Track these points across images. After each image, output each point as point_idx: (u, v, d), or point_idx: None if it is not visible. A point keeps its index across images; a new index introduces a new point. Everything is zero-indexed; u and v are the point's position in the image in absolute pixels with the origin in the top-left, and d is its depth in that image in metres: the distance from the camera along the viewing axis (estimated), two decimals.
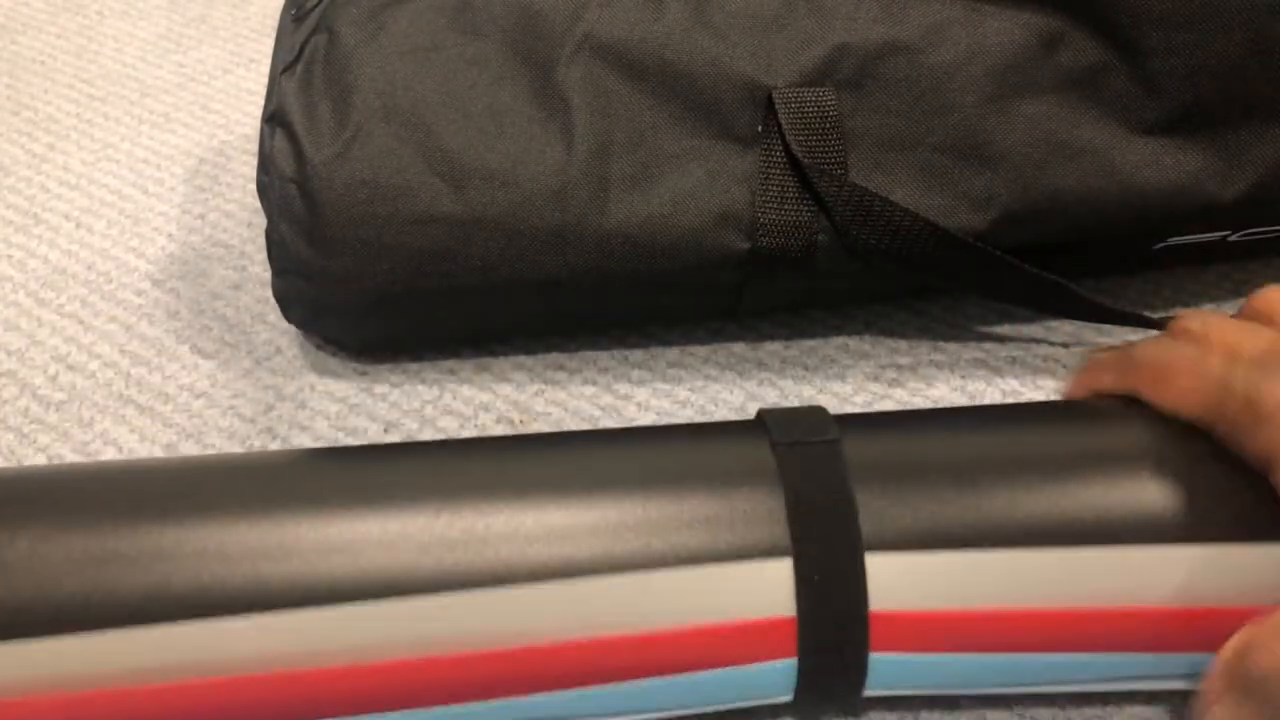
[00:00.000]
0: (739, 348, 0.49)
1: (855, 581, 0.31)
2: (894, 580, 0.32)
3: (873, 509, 0.32)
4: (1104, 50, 0.42)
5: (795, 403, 0.46)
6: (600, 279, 0.43)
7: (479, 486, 0.32)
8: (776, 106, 0.42)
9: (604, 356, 0.48)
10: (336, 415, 0.46)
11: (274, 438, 0.45)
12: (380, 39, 0.44)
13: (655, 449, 0.34)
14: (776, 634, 0.31)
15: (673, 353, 0.48)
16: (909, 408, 0.46)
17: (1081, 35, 0.42)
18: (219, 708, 0.30)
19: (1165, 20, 0.41)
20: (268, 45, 0.69)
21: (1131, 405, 0.35)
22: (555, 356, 0.48)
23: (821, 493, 0.32)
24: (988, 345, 0.48)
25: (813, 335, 0.49)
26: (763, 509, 0.32)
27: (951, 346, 0.48)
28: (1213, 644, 0.31)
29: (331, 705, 0.31)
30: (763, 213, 0.42)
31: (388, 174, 0.42)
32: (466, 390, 0.47)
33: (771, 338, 0.49)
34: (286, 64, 0.44)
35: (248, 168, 0.60)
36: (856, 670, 0.32)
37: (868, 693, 0.33)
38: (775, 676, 0.32)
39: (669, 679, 0.32)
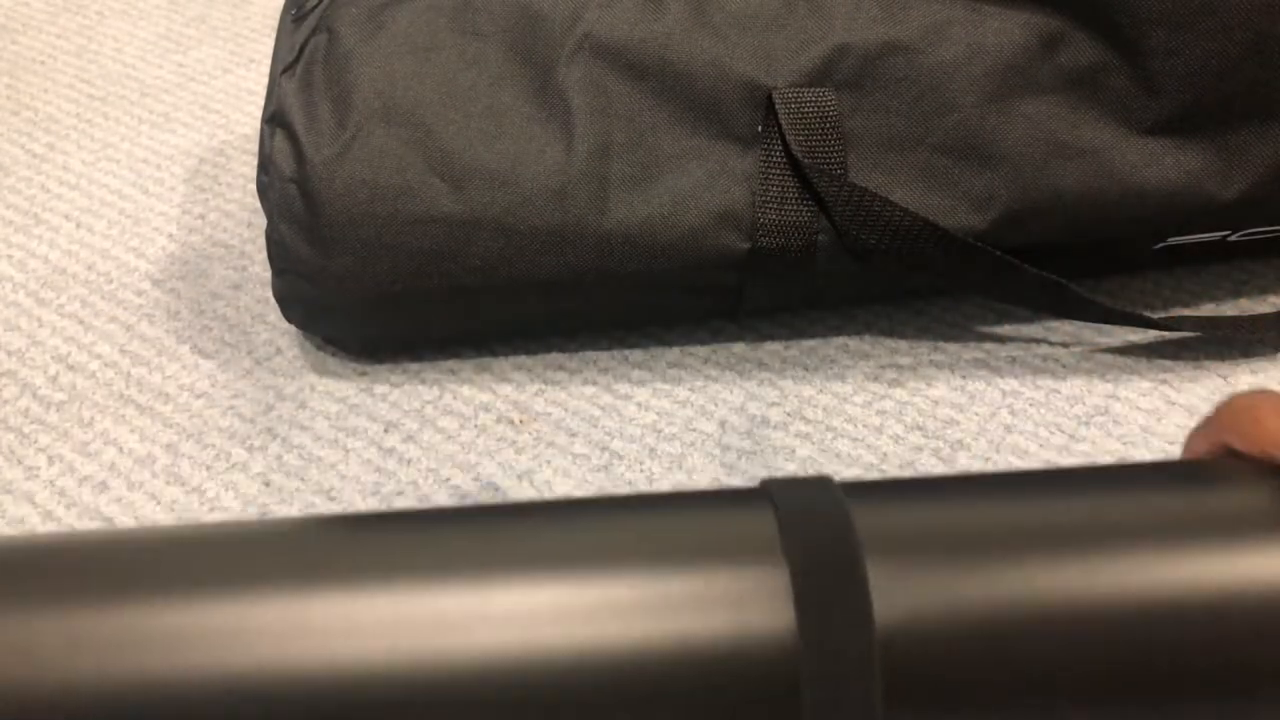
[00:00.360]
0: (739, 348, 0.49)
1: (865, 659, 0.28)
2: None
3: (883, 580, 0.29)
4: (1104, 50, 0.42)
5: (795, 403, 0.46)
6: (600, 279, 0.43)
7: (462, 563, 0.31)
8: (776, 107, 0.42)
9: (604, 356, 0.48)
10: (336, 415, 0.46)
11: (274, 437, 0.45)
12: (380, 39, 0.44)
13: (652, 521, 0.31)
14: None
15: (673, 353, 0.48)
16: (910, 409, 0.46)
17: (1081, 35, 0.42)
18: None
19: (1165, 20, 0.41)
20: (268, 45, 0.69)
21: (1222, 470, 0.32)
22: (555, 356, 0.48)
23: (829, 565, 0.29)
24: (988, 345, 0.48)
25: (813, 335, 0.49)
26: (765, 583, 0.29)
27: (951, 346, 0.48)
28: None
29: None
30: (763, 213, 0.42)
31: (388, 174, 0.42)
32: (466, 390, 0.47)
33: (771, 338, 0.49)
34: (286, 64, 0.44)
35: (248, 168, 0.60)
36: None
37: None
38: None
39: None
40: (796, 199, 0.42)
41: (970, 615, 0.28)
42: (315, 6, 0.46)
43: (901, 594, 0.29)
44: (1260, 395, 0.31)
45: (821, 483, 0.31)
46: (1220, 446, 0.33)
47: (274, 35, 0.49)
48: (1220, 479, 0.31)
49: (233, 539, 0.32)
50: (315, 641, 0.28)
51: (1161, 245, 0.46)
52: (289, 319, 0.47)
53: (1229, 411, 0.32)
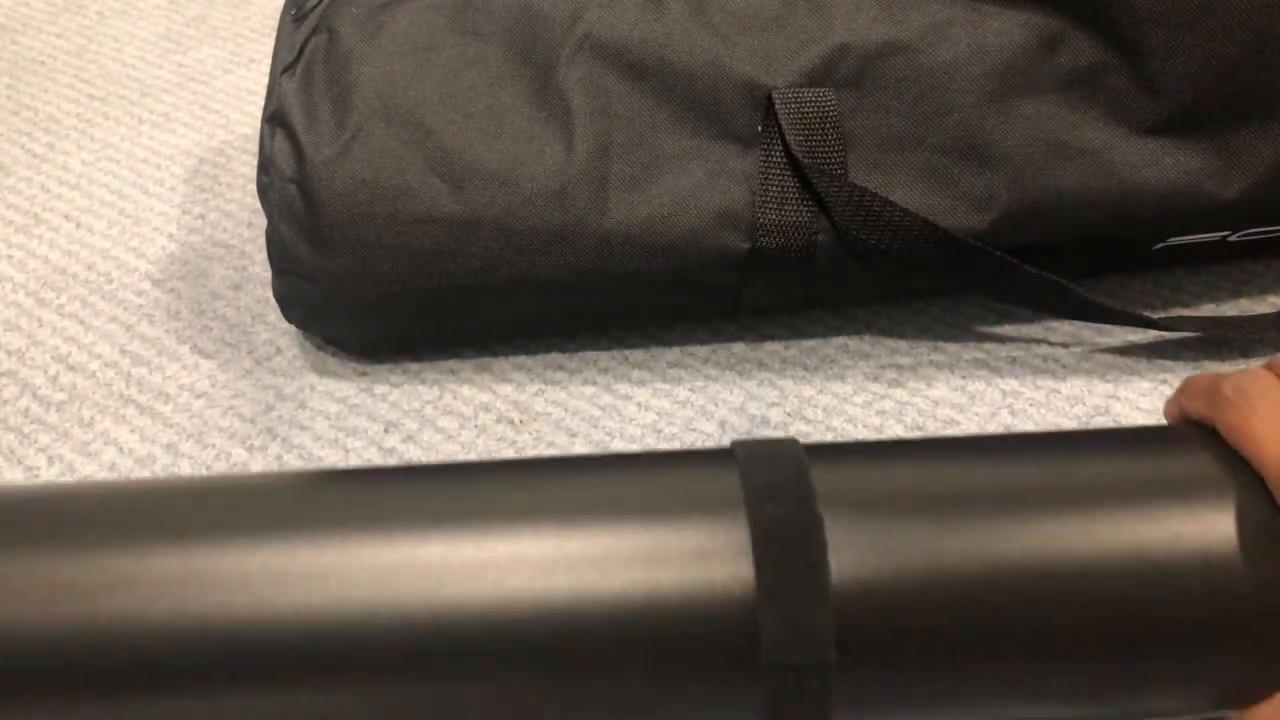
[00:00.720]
0: (739, 348, 0.49)
1: (820, 606, 0.30)
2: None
3: (840, 534, 0.31)
4: (1104, 50, 0.42)
5: (795, 403, 0.46)
6: (600, 279, 0.43)
7: (443, 515, 0.32)
8: (776, 106, 0.42)
9: (604, 356, 0.48)
10: (336, 415, 0.46)
11: (274, 438, 0.45)
12: (380, 39, 0.44)
13: (624, 479, 0.33)
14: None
15: (673, 353, 0.48)
16: (910, 409, 0.46)
17: (1081, 35, 0.42)
18: None
19: (1165, 20, 0.41)
20: (268, 45, 0.69)
21: (1198, 440, 0.33)
22: (555, 356, 0.48)
23: (786, 518, 0.31)
24: (988, 345, 0.48)
25: (813, 335, 0.49)
26: (726, 536, 0.31)
27: (951, 346, 0.48)
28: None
29: None
30: (762, 213, 0.42)
31: (388, 174, 0.42)
32: (466, 390, 0.47)
33: (771, 338, 0.49)
34: (286, 64, 0.44)
35: (248, 168, 0.60)
36: (821, 695, 0.31)
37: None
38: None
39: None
40: (796, 199, 0.42)
41: (919, 571, 0.30)
42: (315, 6, 0.46)
43: (856, 550, 0.30)
44: (1260, 394, 0.32)
45: (786, 444, 0.33)
46: (1209, 422, 0.34)
47: (274, 35, 0.49)
48: (1170, 445, 0.33)
49: (228, 489, 0.33)
50: (297, 586, 0.30)
51: (1161, 245, 0.46)
52: (289, 319, 0.47)
53: (1224, 399, 0.33)
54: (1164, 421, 0.37)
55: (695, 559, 0.30)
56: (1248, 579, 0.31)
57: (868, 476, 0.33)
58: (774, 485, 0.32)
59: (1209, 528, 0.31)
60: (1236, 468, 0.32)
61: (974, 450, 0.34)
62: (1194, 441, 0.33)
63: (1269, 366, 0.34)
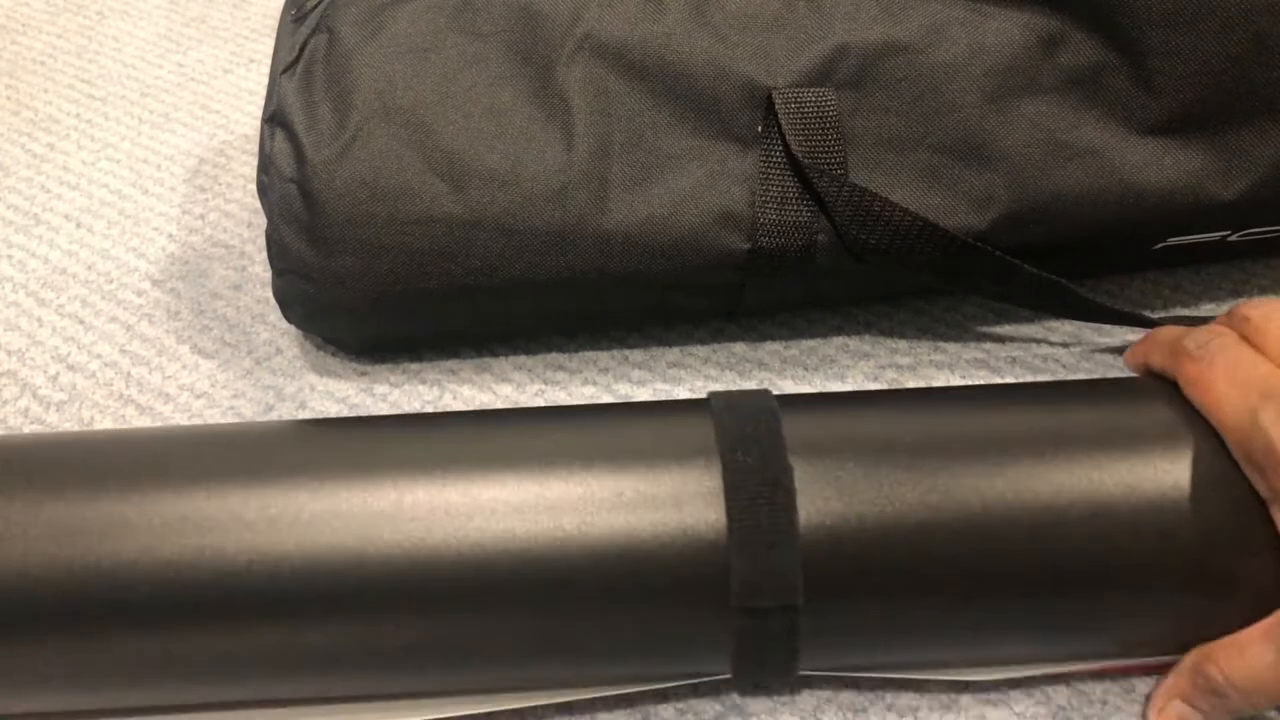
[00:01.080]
0: (739, 348, 0.49)
1: (788, 548, 0.32)
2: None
3: (808, 478, 0.32)
4: (1104, 50, 0.42)
5: None
6: (600, 279, 0.43)
7: (424, 461, 0.33)
8: (776, 107, 0.42)
9: (604, 356, 0.48)
10: (336, 415, 0.46)
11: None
12: (380, 39, 0.44)
13: (603, 427, 0.35)
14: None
15: (673, 353, 0.48)
16: None
17: (1081, 35, 0.42)
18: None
19: (1165, 20, 0.41)
20: (268, 45, 0.69)
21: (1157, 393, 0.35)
22: (555, 356, 0.48)
23: (756, 460, 0.33)
24: (988, 345, 0.48)
25: (813, 335, 0.49)
26: (699, 480, 0.32)
27: (951, 346, 0.48)
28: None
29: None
30: (763, 213, 0.42)
31: (388, 174, 0.42)
32: (466, 390, 0.47)
33: (771, 338, 0.49)
34: (286, 64, 0.44)
35: (248, 168, 0.60)
36: (790, 635, 0.32)
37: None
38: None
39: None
40: (796, 199, 0.42)
41: (884, 515, 0.31)
42: (315, 6, 0.46)
43: (823, 496, 0.31)
44: (1219, 350, 0.33)
45: (759, 395, 0.34)
46: (1143, 366, 0.36)
47: (274, 35, 0.49)
48: (1131, 396, 0.35)
49: (229, 438, 0.35)
50: (289, 530, 0.31)
51: (1162, 245, 0.46)
52: (289, 319, 0.47)
53: (1184, 353, 0.34)
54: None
55: (670, 504, 0.32)
56: (1199, 525, 0.32)
57: (836, 425, 0.34)
58: (746, 435, 0.33)
59: (1163, 476, 0.32)
60: (1194, 420, 0.33)
61: (939, 400, 0.36)
62: (1155, 393, 0.34)
63: (1230, 317, 0.34)
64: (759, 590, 0.31)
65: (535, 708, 0.36)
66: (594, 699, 0.35)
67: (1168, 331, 0.36)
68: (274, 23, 0.70)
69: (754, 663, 0.33)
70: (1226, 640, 0.33)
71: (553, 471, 0.33)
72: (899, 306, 0.50)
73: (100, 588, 0.31)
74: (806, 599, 0.31)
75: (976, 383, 0.47)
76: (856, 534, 0.32)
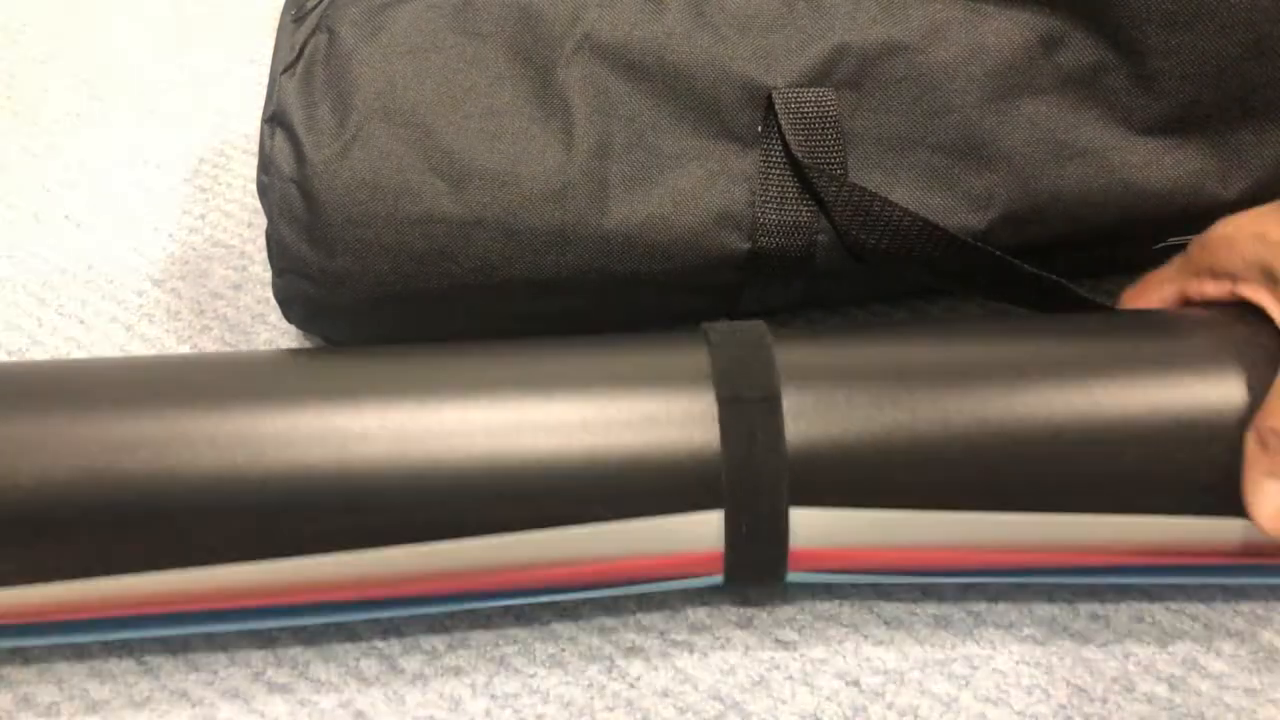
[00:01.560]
0: None
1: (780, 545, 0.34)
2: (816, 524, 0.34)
3: (796, 402, 0.34)
4: (1103, 50, 0.42)
5: None
6: (600, 279, 0.43)
7: (438, 384, 0.36)
8: (776, 107, 0.42)
9: None
10: None
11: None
12: (380, 39, 0.44)
13: (604, 353, 0.38)
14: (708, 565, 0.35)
15: None
16: None
17: (1081, 35, 0.42)
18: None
19: (1165, 20, 0.41)
20: (268, 45, 0.69)
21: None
22: None
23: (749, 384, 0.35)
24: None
25: None
26: (696, 403, 0.35)
27: None
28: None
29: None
30: (762, 213, 0.42)
31: (388, 174, 0.42)
32: None
33: None
34: (286, 64, 0.44)
35: (248, 168, 0.60)
36: (778, 521, 0.34)
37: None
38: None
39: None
40: (796, 199, 0.42)
41: (869, 435, 0.34)
42: (315, 6, 0.46)
43: (811, 417, 0.34)
44: (1234, 221, 0.35)
45: (753, 326, 0.37)
46: (1179, 297, 0.37)
47: (274, 35, 0.49)
48: (1117, 324, 0.37)
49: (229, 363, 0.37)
50: (303, 447, 0.34)
51: (1162, 246, 0.46)
52: (289, 319, 0.47)
53: (1210, 238, 0.36)
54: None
55: (668, 424, 0.34)
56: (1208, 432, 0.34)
57: (824, 353, 0.36)
58: (739, 361, 0.36)
59: (1154, 395, 0.35)
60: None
61: (940, 331, 0.38)
62: (1179, 320, 0.37)
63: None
64: (748, 490, 0.34)
65: (533, 606, 0.38)
66: (591, 598, 0.38)
67: (1166, 265, 0.38)
68: (274, 23, 0.70)
69: (744, 564, 0.35)
70: (1269, 397, 0.33)
71: (554, 394, 0.35)
72: (899, 306, 0.50)
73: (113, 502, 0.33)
74: (793, 500, 0.34)
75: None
76: (841, 449, 0.34)
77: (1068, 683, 0.37)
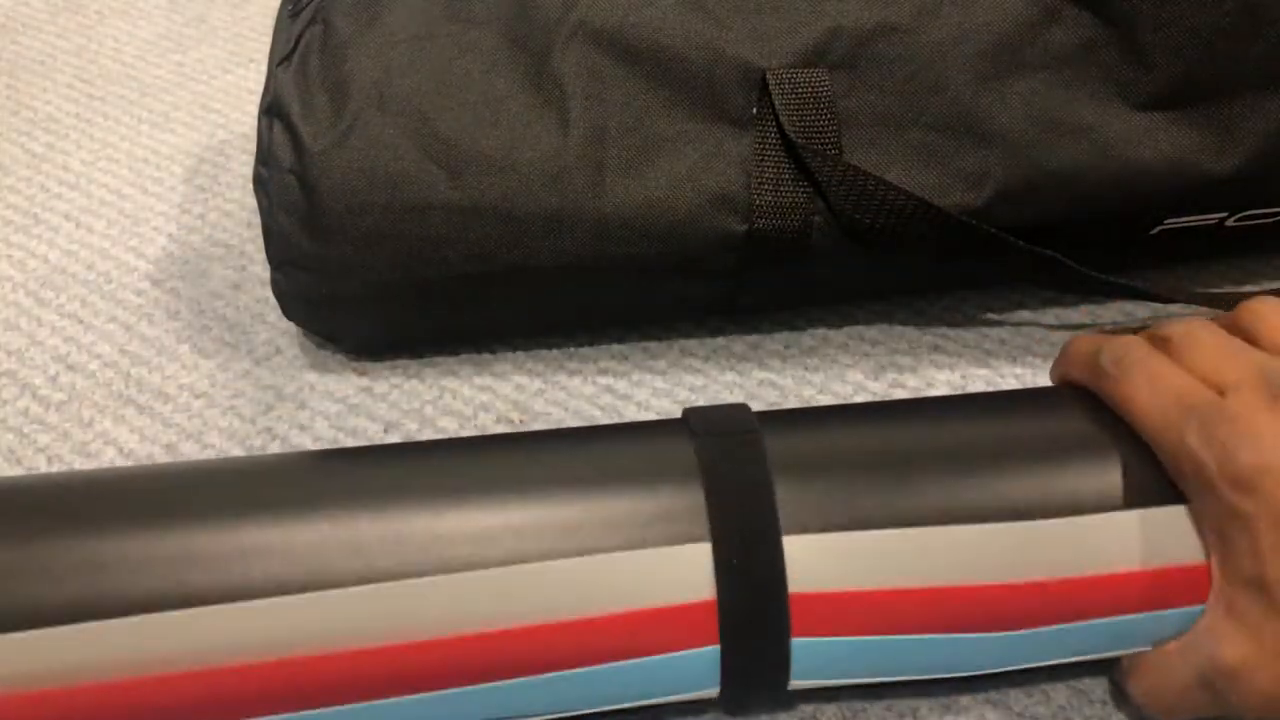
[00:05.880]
0: (739, 348, 0.49)
1: (773, 562, 0.32)
2: (813, 561, 0.32)
3: (791, 494, 0.32)
4: (1096, 25, 0.42)
5: (795, 403, 0.46)
6: (598, 263, 0.43)
7: (398, 490, 0.33)
8: (771, 88, 0.42)
9: (604, 357, 0.48)
10: (336, 415, 0.46)
11: (274, 438, 0.45)
12: (375, 28, 0.44)
13: (579, 449, 0.35)
14: (697, 617, 0.32)
15: (673, 353, 0.48)
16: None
17: (1073, 11, 0.43)
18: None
19: None
20: (267, 44, 0.69)
21: (1082, 397, 0.35)
22: (555, 357, 0.48)
23: (739, 478, 0.33)
24: (988, 345, 0.48)
25: (812, 336, 0.49)
26: (682, 498, 0.32)
27: (952, 346, 0.48)
28: (1145, 605, 0.32)
29: (245, 702, 0.31)
30: (758, 194, 0.42)
31: (385, 162, 0.42)
32: (466, 390, 0.47)
33: (771, 338, 0.49)
34: (283, 56, 0.45)
35: (247, 167, 0.60)
36: (780, 653, 0.32)
37: (795, 683, 0.33)
38: (699, 665, 0.32)
39: (592, 669, 0.32)
40: (792, 180, 0.42)
41: (858, 520, 0.32)
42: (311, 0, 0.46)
43: (803, 507, 0.32)
44: (1141, 364, 0.34)
45: (737, 408, 0.35)
46: (1062, 378, 0.37)
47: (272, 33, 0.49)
48: (1053, 404, 0.36)
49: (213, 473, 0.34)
50: (288, 561, 0.31)
51: (1159, 228, 0.46)
52: (288, 315, 0.47)
53: (1104, 371, 0.35)
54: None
55: (655, 521, 0.32)
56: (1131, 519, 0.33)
57: (814, 440, 0.35)
58: (726, 450, 0.34)
59: (1096, 479, 0.33)
60: (1119, 427, 0.34)
61: (902, 411, 0.37)
62: (1081, 404, 0.35)
63: (1148, 335, 0.35)
64: (748, 592, 0.31)
65: None
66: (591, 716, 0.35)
67: (1082, 343, 0.36)
68: (273, 22, 0.70)
69: (743, 681, 0.33)
70: (1150, 654, 0.33)
71: (534, 498, 0.32)
72: (899, 306, 0.50)
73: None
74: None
75: (973, 383, 0.47)
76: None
77: (1068, 685, 0.37)
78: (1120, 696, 0.36)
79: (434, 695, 0.32)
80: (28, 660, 0.30)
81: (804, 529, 0.32)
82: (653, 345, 0.49)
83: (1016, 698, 0.36)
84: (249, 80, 0.67)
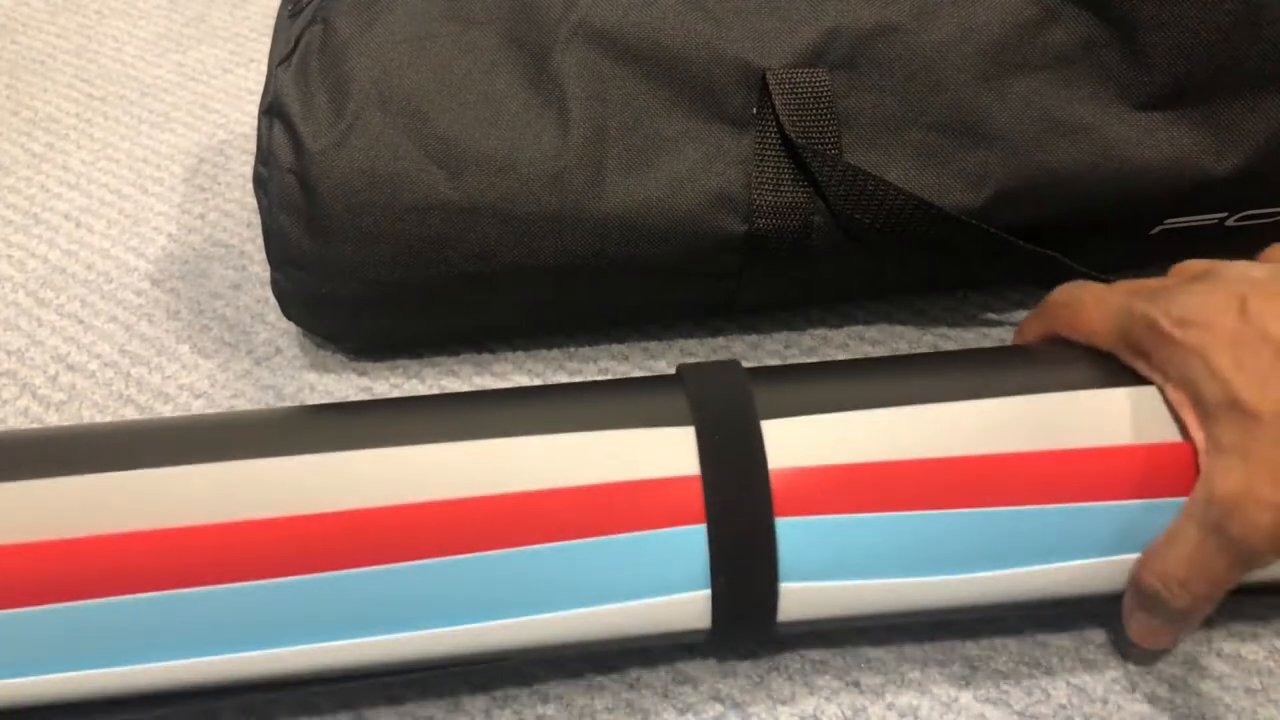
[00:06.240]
0: (739, 348, 0.49)
1: (751, 438, 0.33)
2: (792, 440, 0.33)
3: (768, 392, 0.34)
4: (1096, 25, 0.43)
5: None
6: (598, 263, 0.43)
7: (389, 429, 0.34)
8: (770, 88, 0.42)
9: (604, 357, 0.48)
10: None
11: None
12: (375, 28, 0.44)
13: (572, 391, 0.36)
14: (684, 492, 0.32)
15: (673, 353, 0.48)
16: None
17: (1073, 11, 0.43)
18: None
19: None
20: (267, 45, 0.69)
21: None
22: (556, 357, 0.48)
23: (720, 381, 0.35)
24: (988, 345, 0.48)
25: (812, 336, 0.49)
26: (668, 400, 0.34)
27: (952, 346, 0.48)
28: (1138, 488, 0.33)
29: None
30: (758, 194, 0.42)
31: (385, 162, 0.42)
32: (466, 390, 0.47)
33: (771, 338, 0.49)
34: (283, 56, 0.45)
35: (247, 167, 0.60)
36: (765, 531, 0.32)
37: (785, 585, 0.33)
38: (686, 544, 0.32)
39: (580, 542, 0.32)
40: (792, 180, 0.42)
41: (834, 405, 0.33)
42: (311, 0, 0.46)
43: (781, 399, 0.33)
44: (1081, 288, 0.36)
45: (728, 364, 0.36)
46: (1050, 333, 0.38)
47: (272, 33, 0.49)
48: (1051, 357, 0.36)
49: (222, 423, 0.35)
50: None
51: (1159, 229, 0.46)
52: (288, 315, 0.47)
53: (1054, 304, 0.37)
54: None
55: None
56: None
57: (795, 385, 0.36)
58: (709, 370, 0.35)
59: (1072, 374, 0.35)
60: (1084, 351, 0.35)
61: (888, 366, 0.37)
62: (1074, 351, 0.36)
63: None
64: (735, 525, 0.32)
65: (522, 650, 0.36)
66: (584, 646, 0.35)
67: (1066, 302, 0.38)
68: (273, 22, 0.70)
69: (731, 619, 0.33)
70: (1155, 541, 0.33)
71: (547, 435, 0.33)
72: (899, 306, 0.50)
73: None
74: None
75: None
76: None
77: (1068, 683, 0.37)
78: (1127, 645, 0.36)
79: (421, 564, 0.32)
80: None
81: (781, 414, 0.33)
82: (653, 345, 0.49)
83: (1017, 696, 0.36)
84: (249, 80, 0.67)
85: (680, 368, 0.36)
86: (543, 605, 0.33)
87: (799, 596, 0.33)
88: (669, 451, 0.33)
